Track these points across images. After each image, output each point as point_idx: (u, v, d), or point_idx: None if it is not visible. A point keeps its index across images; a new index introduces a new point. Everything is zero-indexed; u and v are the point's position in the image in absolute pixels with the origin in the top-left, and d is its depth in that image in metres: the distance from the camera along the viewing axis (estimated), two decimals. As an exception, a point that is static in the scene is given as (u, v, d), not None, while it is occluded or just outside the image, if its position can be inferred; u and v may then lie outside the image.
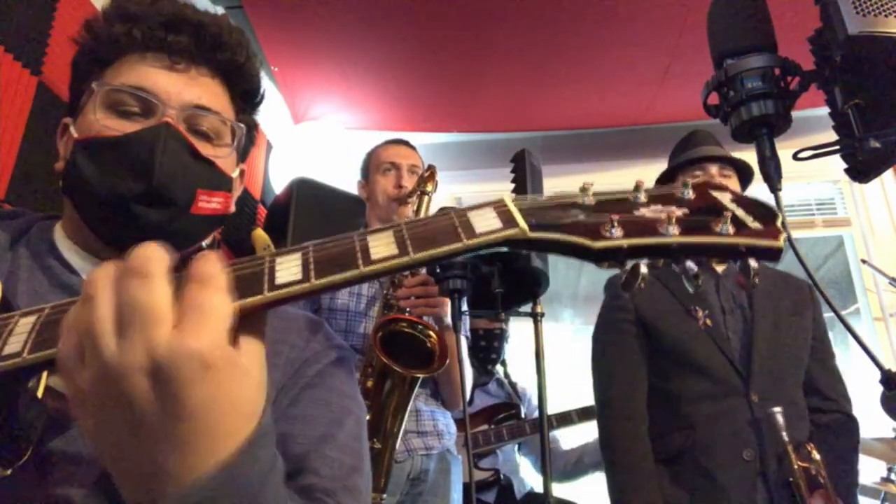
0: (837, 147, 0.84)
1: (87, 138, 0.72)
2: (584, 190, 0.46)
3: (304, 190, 2.54)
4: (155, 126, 0.70)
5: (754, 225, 0.44)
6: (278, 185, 2.83)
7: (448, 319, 1.57)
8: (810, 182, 3.20)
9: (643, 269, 0.44)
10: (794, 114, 0.87)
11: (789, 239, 0.84)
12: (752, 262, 0.44)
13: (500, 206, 0.46)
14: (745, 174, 1.76)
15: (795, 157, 0.87)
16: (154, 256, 0.40)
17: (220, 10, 2.53)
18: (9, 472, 0.49)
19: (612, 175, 3.30)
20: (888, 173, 3.04)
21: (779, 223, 0.44)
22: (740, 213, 0.44)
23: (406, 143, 2.08)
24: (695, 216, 0.44)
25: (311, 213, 2.46)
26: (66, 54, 1.62)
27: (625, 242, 0.43)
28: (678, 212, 0.44)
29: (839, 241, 3.29)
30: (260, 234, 2.53)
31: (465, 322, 1.87)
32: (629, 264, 0.44)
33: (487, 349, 2.37)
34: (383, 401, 1.51)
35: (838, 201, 3.24)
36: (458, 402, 1.79)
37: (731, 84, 0.88)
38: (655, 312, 1.64)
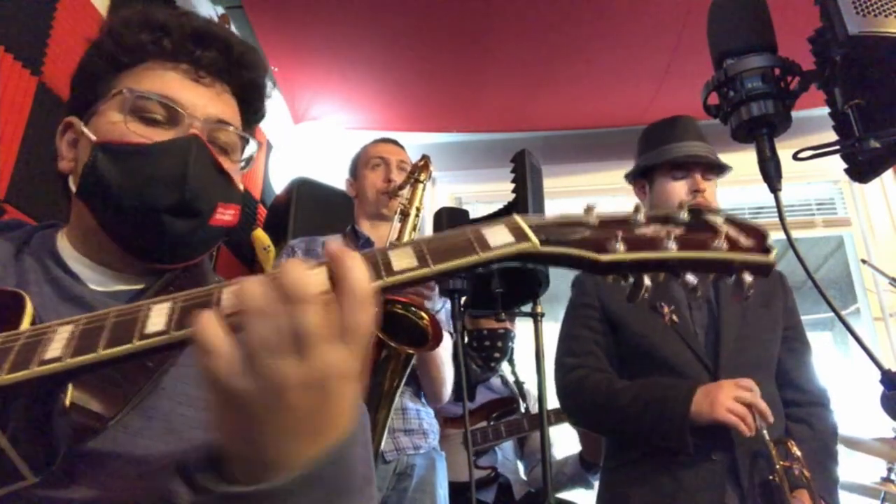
0: (837, 147, 0.84)
1: (111, 142, 0.70)
2: (587, 210, 0.50)
3: (304, 190, 2.54)
4: (186, 138, 0.71)
5: (746, 242, 0.48)
6: (278, 185, 2.83)
7: (436, 305, 1.61)
8: (810, 182, 3.20)
9: (647, 282, 0.47)
10: (794, 114, 0.87)
11: (789, 239, 0.84)
12: (747, 277, 0.47)
13: (511, 223, 0.49)
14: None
15: (795, 157, 0.87)
16: (308, 281, 0.42)
17: (219, 10, 2.53)
18: (38, 478, 0.49)
19: (612, 175, 3.29)
20: (888, 173, 3.04)
21: (769, 241, 0.48)
22: (733, 232, 0.48)
23: (394, 142, 2.08)
24: (691, 234, 0.48)
25: (310, 213, 2.46)
26: (67, 54, 1.63)
27: (629, 256, 0.47)
28: (676, 230, 0.48)
29: (839, 241, 3.29)
30: (260, 234, 2.53)
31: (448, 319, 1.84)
32: (632, 277, 0.48)
33: (491, 348, 2.38)
34: (377, 379, 1.49)
35: (838, 201, 3.24)
36: (438, 398, 1.77)
37: (731, 84, 0.88)
38: (621, 309, 1.58)
